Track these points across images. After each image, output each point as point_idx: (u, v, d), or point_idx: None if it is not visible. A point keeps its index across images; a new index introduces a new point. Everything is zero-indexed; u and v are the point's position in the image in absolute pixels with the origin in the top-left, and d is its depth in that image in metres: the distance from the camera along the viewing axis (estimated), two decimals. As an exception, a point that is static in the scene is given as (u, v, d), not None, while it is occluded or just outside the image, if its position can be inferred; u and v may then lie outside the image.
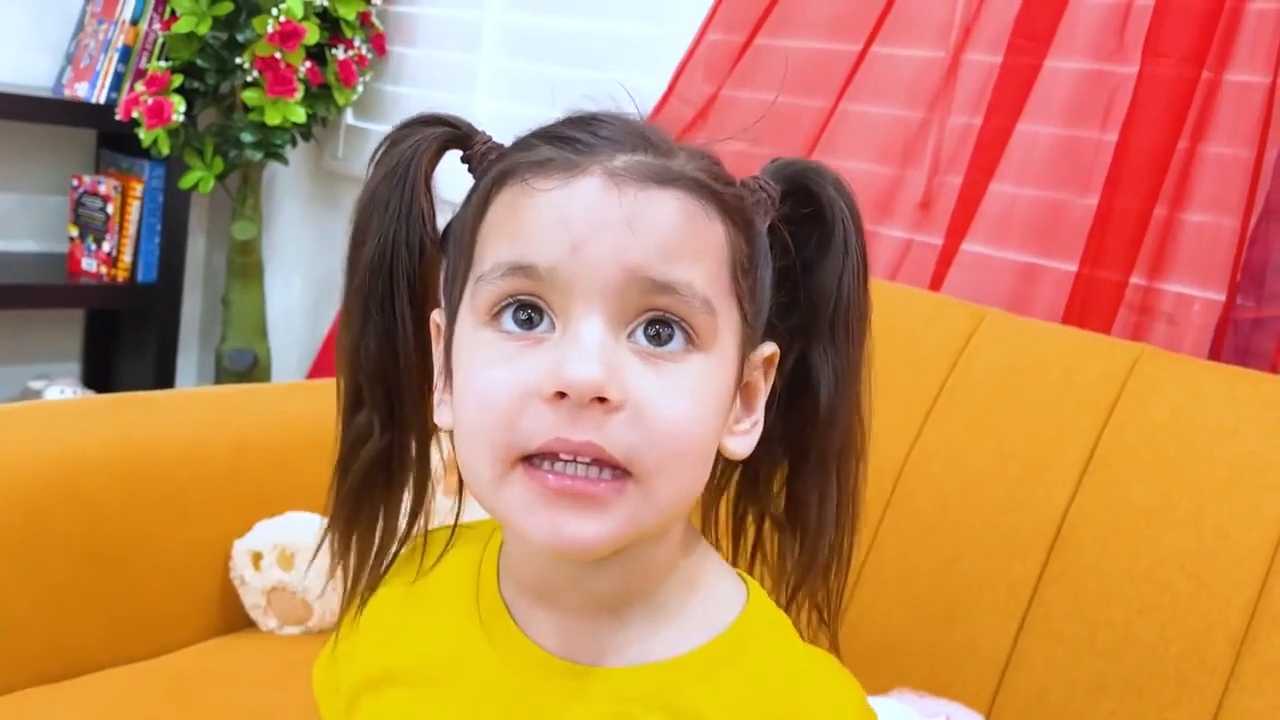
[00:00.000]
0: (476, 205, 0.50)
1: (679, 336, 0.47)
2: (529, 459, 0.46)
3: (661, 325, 0.47)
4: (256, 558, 1.10)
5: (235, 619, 1.13)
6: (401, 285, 0.51)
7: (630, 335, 0.46)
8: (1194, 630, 0.84)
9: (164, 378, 2.02)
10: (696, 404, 0.47)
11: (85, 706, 0.98)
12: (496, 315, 0.47)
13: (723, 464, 0.54)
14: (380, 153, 0.52)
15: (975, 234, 1.24)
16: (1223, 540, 0.85)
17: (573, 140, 0.48)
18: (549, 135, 0.49)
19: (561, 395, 0.44)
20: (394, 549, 0.55)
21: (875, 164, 1.33)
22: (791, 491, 0.55)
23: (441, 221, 0.53)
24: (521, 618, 0.52)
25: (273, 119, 1.75)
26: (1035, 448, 0.96)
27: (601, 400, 0.44)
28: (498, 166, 0.50)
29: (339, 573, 0.56)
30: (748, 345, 0.51)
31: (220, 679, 1.04)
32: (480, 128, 0.53)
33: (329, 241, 2.06)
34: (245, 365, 1.94)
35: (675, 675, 0.50)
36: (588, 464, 0.45)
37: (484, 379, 0.47)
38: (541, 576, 0.51)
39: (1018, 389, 0.99)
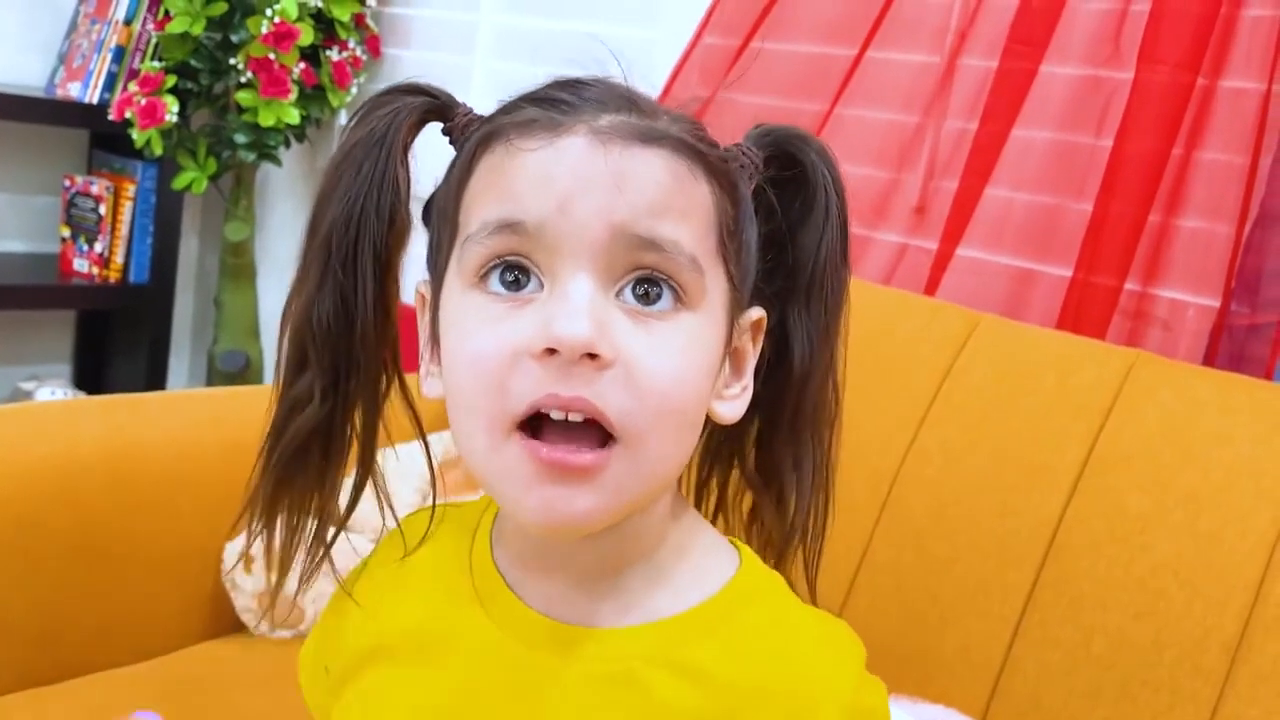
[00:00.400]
0: (461, 171, 0.50)
1: (667, 295, 0.47)
2: (523, 427, 0.45)
3: (650, 284, 0.46)
4: (249, 561, 1.10)
5: (226, 622, 1.13)
6: (366, 251, 0.49)
7: (619, 294, 0.46)
8: (1188, 636, 0.84)
9: (156, 379, 2.02)
10: (686, 362, 0.47)
11: (74, 710, 0.97)
12: (484, 277, 0.47)
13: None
14: (359, 116, 0.51)
15: (970, 239, 1.24)
16: (1217, 546, 0.85)
17: (558, 101, 0.48)
18: (534, 98, 0.48)
19: (551, 352, 0.44)
20: (331, 533, 0.53)
21: (871, 168, 1.33)
22: (764, 455, 0.55)
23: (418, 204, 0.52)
24: (518, 587, 0.51)
25: (266, 120, 1.74)
26: (1030, 453, 0.96)
27: (592, 357, 0.44)
28: (482, 129, 0.49)
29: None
30: (735, 309, 0.50)
31: (211, 683, 1.04)
32: (461, 101, 0.52)
33: (322, 243, 2.05)
34: (237, 367, 1.94)
35: (676, 632, 0.50)
36: (581, 423, 0.45)
37: (473, 342, 0.46)
38: (537, 547, 0.51)
39: (1012, 394, 0.99)
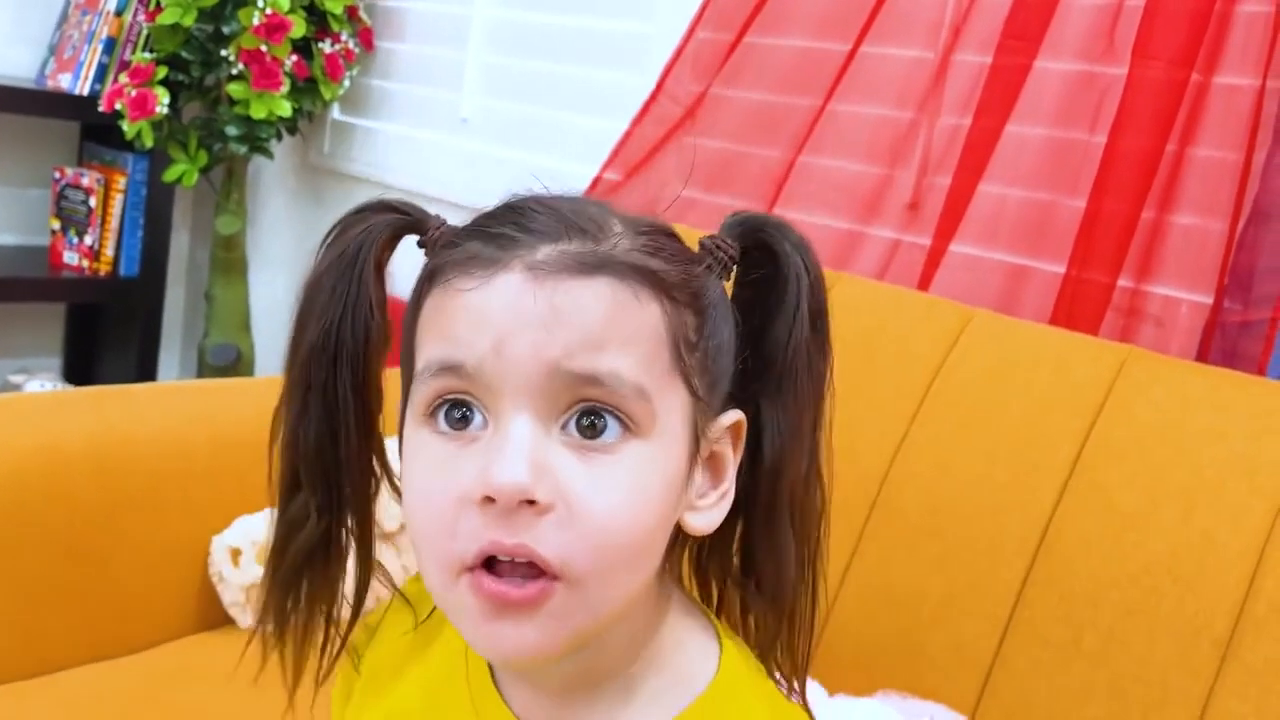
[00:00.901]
0: (412, 303, 0.51)
1: (613, 425, 0.47)
2: (473, 567, 0.46)
3: (594, 415, 0.46)
4: (236, 554, 1.09)
5: (213, 616, 1.12)
6: (344, 372, 0.50)
7: (564, 427, 0.46)
8: (1180, 634, 0.83)
9: (146, 373, 2.01)
10: (632, 496, 0.47)
11: (60, 703, 0.97)
12: (432, 414, 0.48)
13: None
14: (330, 238, 0.52)
15: (963, 235, 1.23)
16: (1209, 544, 0.84)
17: (498, 236, 0.48)
18: (478, 230, 0.49)
19: (491, 500, 0.45)
20: (339, 638, 0.55)
21: (864, 164, 1.33)
22: (745, 550, 0.54)
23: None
24: (505, 688, 0.53)
25: (258, 113, 1.73)
26: (1022, 450, 0.95)
27: (531, 503, 0.45)
28: (429, 265, 0.50)
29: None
30: (703, 418, 0.50)
31: (198, 676, 1.03)
32: (433, 213, 0.52)
33: (313, 237, 2.01)
34: (228, 361, 1.93)
35: None
36: (524, 564, 0.46)
37: (421, 487, 0.48)
38: (504, 666, 0.53)
39: (1005, 390, 0.99)
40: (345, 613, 0.56)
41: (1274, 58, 1.06)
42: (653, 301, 0.48)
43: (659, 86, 1.48)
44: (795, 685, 0.55)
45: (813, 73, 1.36)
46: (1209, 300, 1.08)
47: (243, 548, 1.09)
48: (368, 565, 0.55)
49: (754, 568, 0.54)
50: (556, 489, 0.45)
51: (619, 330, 0.47)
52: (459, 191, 1.60)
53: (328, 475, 0.52)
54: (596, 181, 1.50)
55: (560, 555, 0.45)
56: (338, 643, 0.56)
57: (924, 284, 1.23)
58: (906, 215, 1.31)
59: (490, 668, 0.54)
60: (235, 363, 1.93)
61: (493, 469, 0.45)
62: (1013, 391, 0.99)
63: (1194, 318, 1.10)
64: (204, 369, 1.94)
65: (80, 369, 2.12)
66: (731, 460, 0.52)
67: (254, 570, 1.09)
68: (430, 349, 0.48)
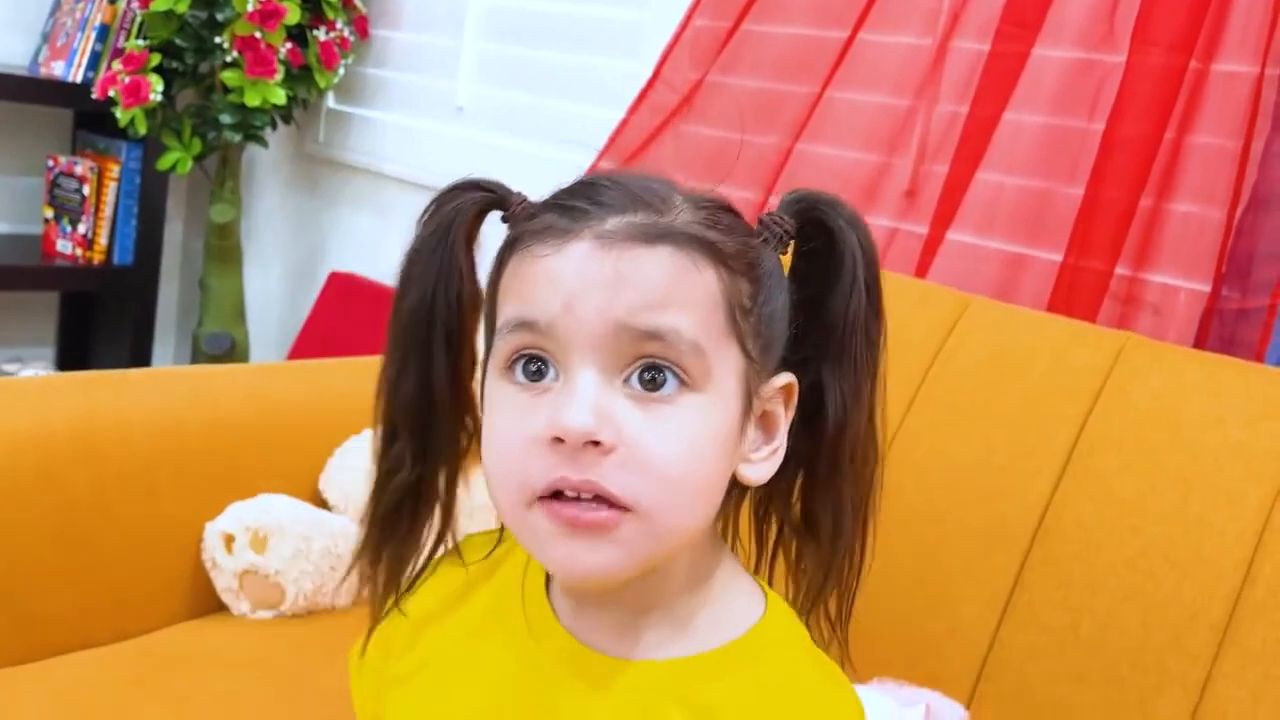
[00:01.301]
0: (495, 268, 0.57)
1: (671, 380, 0.52)
2: (544, 496, 0.51)
3: (655, 370, 0.51)
4: (229, 540, 1.08)
5: (206, 602, 1.11)
6: (439, 334, 0.56)
7: (626, 380, 0.51)
8: (1176, 619, 0.83)
9: (140, 362, 2.00)
10: (689, 442, 0.52)
11: (51, 690, 0.96)
12: (510, 367, 0.53)
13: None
14: (427, 214, 0.58)
15: (961, 223, 1.23)
16: (1206, 529, 0.84)
17: (571, 209, 0.53)
18: (554, 204, 0.54)
19: (559, 441, 0.50)
20: (417, 570, 0.61)
21: (861, 152, 1.32)
22: (805, 504, 0.59)
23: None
24: (563, 616, 0.58)
25: (252, 100, 1.72)
26: (1019, 436, 0.95)
27: (595, 444, 0.50)
28: (510, 235, 0.56)
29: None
30: (756, 379, 0.55)
31: (190, 663, 1.02)
32: (515, 191, 0.58)
33: (308, 227, 2.04)
34: (223, 350, 1.92)
35: (693, 672, 0.55)
36: (591, 499, 0.51)
37: (500, 429, 0.54)
38: (573, 586, 0.57)
39: (1002, 377, 0.99)
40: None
41: (1273, 44, 1.06)
42: (710, 269, 0.53)
43: (656, 74, 1.47)
44: (841, 635, 0.60)
45: (810, 60, 1.35)
46: (1207, 288, 1.08)
47: (235, 534, 1.08)
48: (449, 514, 0.60)
49: (813, 518, 0.59)
50: (619, 433, 0.50)
51: (678, 293, 0.52)
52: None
53: (422, 427, 0.58)
54: (592, 170, 1.49)
55: (625, 490, 0.50)
56: (412, 582, 0.61)
57: (921, 272, 1.23)
58: (904, 203, 1.30)
59: (547, 590, 0.59)
60: (229, 352, 1.93)
61: (562, 414, 0.50)
62: (1010, 378, 0.98)
63: (1192, 305, 1.10)
64: (198, 358, 1.94)
65: (74, 358, 2.11)
66: (783, 419, 0.57)
67: (247, 556, 1.08)
68: (509, 308, 0.54)
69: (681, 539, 0.53)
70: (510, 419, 0.53)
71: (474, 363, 0.58)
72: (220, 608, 1.12)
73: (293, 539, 1.08)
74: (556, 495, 0.51)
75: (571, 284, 0.51)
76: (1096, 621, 0.86)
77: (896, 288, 1.13)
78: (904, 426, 1.01)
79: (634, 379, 0.51)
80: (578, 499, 0.51)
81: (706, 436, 0.52)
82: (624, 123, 1.48)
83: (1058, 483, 0.92)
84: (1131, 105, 1.11)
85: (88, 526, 1.04)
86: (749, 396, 0.55)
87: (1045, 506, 0.91)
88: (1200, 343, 1.07)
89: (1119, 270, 1.12)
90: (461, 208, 0.57)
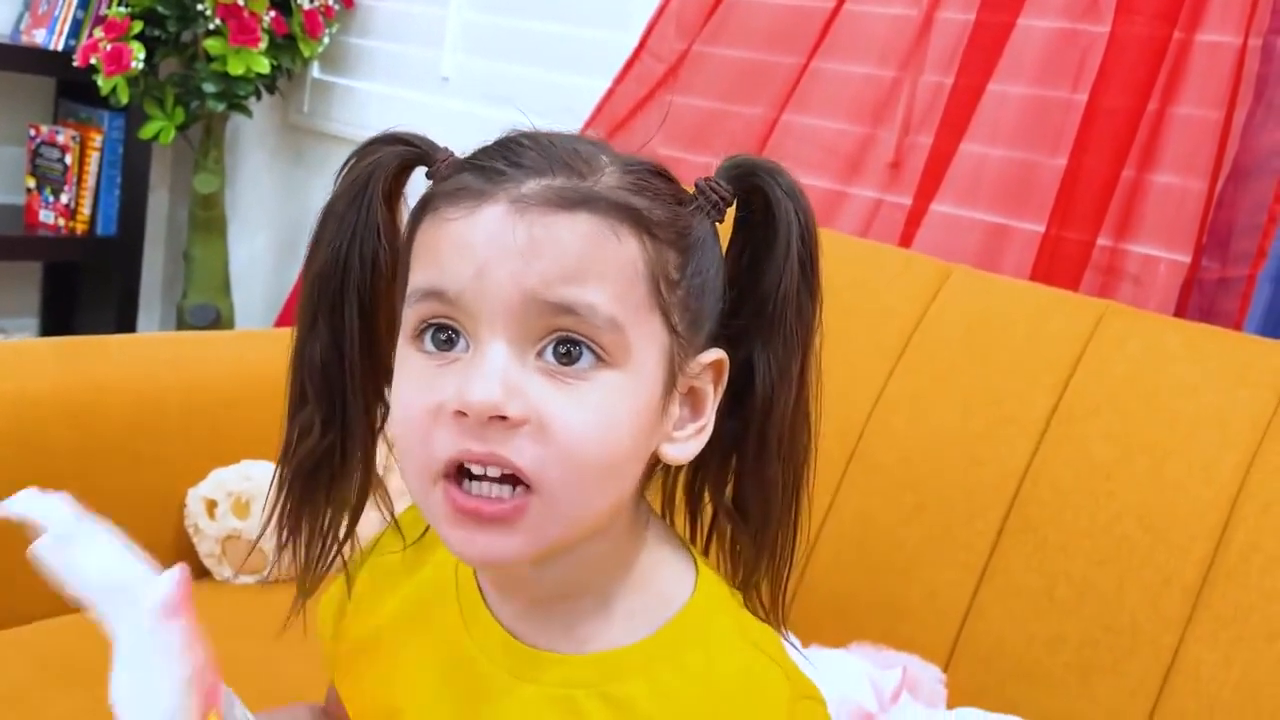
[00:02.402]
0: (407, 231, 0.53)
1: (587, 355, 0.49)
2: (449, 475, 0.49)
3: (569, 344, 0.49)
4: (211, 505, 1.09)
5: (189, 568, 1.11)
6: (351, 295, 0.53)
7: (540, 354, 0.49)
8: (1150, 583, 0.84)
9: (124, 332, 1.99)
10: (603, 418, 0.49)
11: (28, 655, 0.96)
12: (419, 335, 0.50)
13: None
14: (344, 168, 0.55)
15: (945, 194, 1.23)
16: (1181, 494, 0.85)
17: (487, 170, 0.50)
18: (471, 163, 0.51)
19: (463, 414, 0.47)
20: (337, 545, 0.58)
21: (846, 122, 1.32)
22: (737, 486, 0.57)
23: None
24: (492, 600, 0.56)
25: (235, 69, 1.71)
26: (999, 403, 0.95)
27: (503, 418, 0.47)
28: (424, 195, 0.52)
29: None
30: (681, 354, 0.52)
31: (172, 627, 1.03)
32: (440, 144, 0.54)
33: (293, 197, 2.03)
34: (207, 321, 1.91)
35: (614, 666, 0.53)
36: (498, 479, 0.48)
37: (404, 399, 0.51)
38: (494, 573, 0.55)
39: (983, 345, 0.99)
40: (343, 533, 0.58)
41: (1256, 15, 1.06)
42: (632, 238, 0.49)
43: (641, 44, 1.46)
44: (773, 619, 0.57)
45: (796, 30, 1.35)
46: (1187, 258, 1.08)
47: (218, 499, 1.08)
48: (366, 484, 0.57)
49: (744, 500, 0.56)
50: (529, 406, 0.47)
51: (595, 264, 0.48)
52: (439, 149, 1.59)
53: (332, 392, 0.55)
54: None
55: (531, 465, 0.48)
56: (332, 557, 0.58)
57: (905, 242, 1.23)
58: (888, 174, 1.30)
59: (478, 581, 0.56)
60: (215, 323, 1.92)
61: (468, 386, 0.47)
62: (990, 346, 0.99)
63: (1172, 276, 1.10)
64: (183, 329, 1.93)
65: (58, 329, 2.10)
66: (711, 396, 0.54)
67: (230, 522, 1.08)
68: (419, 275, 0.50)
69: (590, 522, 0.51)
70: (416, 389, 0.50)
71: (393, 328, 0.54)
72: (203, 573, 1.12)
73: (275, 505, 1.09)
74: (461, 470, 0.48)
75: (483, 251, 0.48)
76: (1072, 585, 0.87)
77: (879, 256, 1.13)
78: (884, 394, 1.01)
79: (548, 352, 0.48)
80: (483, 476, 0.48)
81: (623, 414, 0.49)
82: (610, 92, 1.48)
83: (1036, 449, 0.92)
84: (1115, 75, 1.11)
85: (70, 492, 1.03)
86: (673, 372, 0.52)
87: (1023, 472, 0.92)
88: (1180, 312, 1.07)
89: (1101, 240, 1.12)
90: (381, 161, 0.53)
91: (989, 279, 1.06)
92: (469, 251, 0.48)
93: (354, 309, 0.53)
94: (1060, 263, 1.14)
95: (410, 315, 0.51)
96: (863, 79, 1.31)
